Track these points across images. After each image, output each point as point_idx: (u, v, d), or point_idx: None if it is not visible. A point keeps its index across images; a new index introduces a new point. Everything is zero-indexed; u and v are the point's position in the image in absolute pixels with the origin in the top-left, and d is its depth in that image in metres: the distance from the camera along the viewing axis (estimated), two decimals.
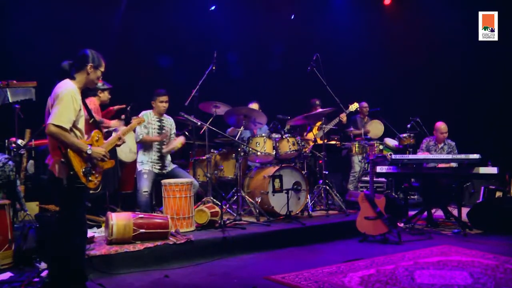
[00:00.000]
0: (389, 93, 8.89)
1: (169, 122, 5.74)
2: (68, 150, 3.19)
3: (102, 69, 3.48)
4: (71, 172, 3.20)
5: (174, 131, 5.79)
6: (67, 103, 3.19)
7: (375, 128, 7.74)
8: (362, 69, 9.21)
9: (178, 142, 5.62)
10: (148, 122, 5.52)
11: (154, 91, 5.61)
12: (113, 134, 4.01)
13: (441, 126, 6.56)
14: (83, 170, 3.26)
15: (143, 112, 5.58)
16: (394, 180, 7.59)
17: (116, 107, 6.15)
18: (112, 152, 5.24)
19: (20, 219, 4.85)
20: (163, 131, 5.58)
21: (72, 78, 3.37)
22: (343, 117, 6.98)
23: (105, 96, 5.84)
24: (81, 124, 3.37)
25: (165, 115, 5.70)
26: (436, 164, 6.17)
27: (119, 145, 3.81)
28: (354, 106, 7.27)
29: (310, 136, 6.99)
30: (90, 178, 3.31)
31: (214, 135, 6.07)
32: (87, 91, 5.80)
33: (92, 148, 3.30)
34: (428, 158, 6.08)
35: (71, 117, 3.21)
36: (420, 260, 4.39)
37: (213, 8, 8.40)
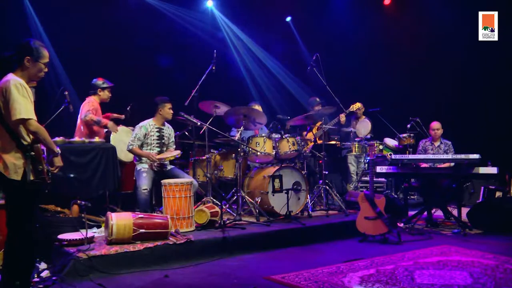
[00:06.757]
0: (389, 93, 8.88)
1: (169, 131, 5.72)
2: (39, 145, 3.06)
3: (44, 60, 3.19)
4: (40, 167, 3.05)
5: (172, 139, 5.76)
6: (23, 96, 3.02)
7: (362, 126, 7.61)
8: (362, 69, 9.20)
9: (172, 154, 5.52)
10: (147, 133, 5.49)
11: (160, 99, 5.54)
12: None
13: (433, 123, 6.77)
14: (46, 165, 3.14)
15: (142, 124, 5.52)
16: (394, 180, 7.59)
17: (115, 115, 6.15)
18: (109, 153, 5.25)
19: None
20: (162, 141, 5.57)
21: (14, 71, 3.14)
22: (342, 117, 6.96)
23: (105, 94, 5.84)
24: None
25: (166, 123, 5.70)
26: (434, 164, 6.17)
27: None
28: (355, 106, 7.19)
29: (310, 136, 6.99)
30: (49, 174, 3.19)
31: (214, 135, 6.07)
32: (88, 91, 5.85)
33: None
34: (428, 158, 6.09)
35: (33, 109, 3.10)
36: (420, 260, 4.39)
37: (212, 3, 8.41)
